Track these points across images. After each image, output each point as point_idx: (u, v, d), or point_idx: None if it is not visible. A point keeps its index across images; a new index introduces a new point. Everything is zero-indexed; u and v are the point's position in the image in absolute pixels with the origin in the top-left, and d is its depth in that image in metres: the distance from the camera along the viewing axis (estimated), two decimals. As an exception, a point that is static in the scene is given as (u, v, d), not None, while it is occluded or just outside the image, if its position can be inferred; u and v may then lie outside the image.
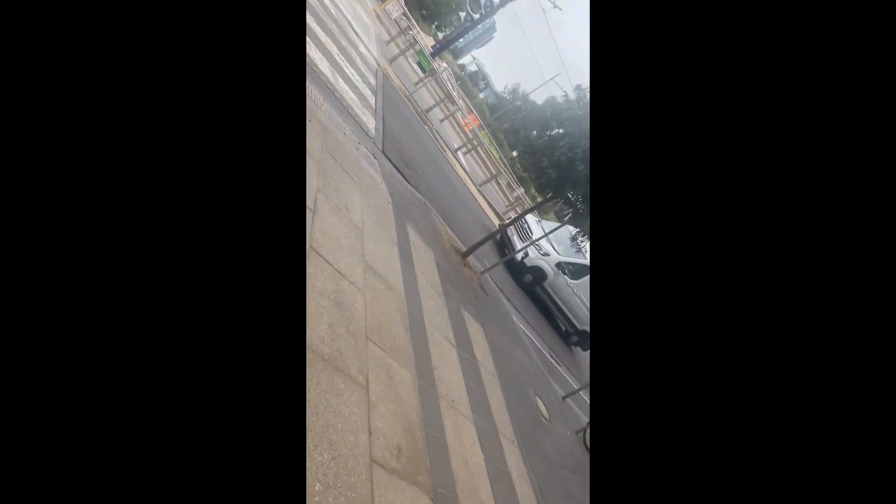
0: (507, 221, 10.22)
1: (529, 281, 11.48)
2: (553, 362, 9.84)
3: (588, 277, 10.76)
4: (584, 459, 6.38)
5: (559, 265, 11.22)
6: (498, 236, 11.04)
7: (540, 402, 6.23)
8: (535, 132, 7.34)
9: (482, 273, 8.07)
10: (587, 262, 11.25)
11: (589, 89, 6.66)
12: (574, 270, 11.60)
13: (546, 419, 6.03)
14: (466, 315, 5.58)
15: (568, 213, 7.59)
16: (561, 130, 6.74)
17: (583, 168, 6.02)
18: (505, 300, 9.03)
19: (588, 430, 7.00)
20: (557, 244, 11.68)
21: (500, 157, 22.35)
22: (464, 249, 7.64)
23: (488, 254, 10.01)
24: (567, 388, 8.31)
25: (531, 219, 12.13)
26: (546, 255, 11.37)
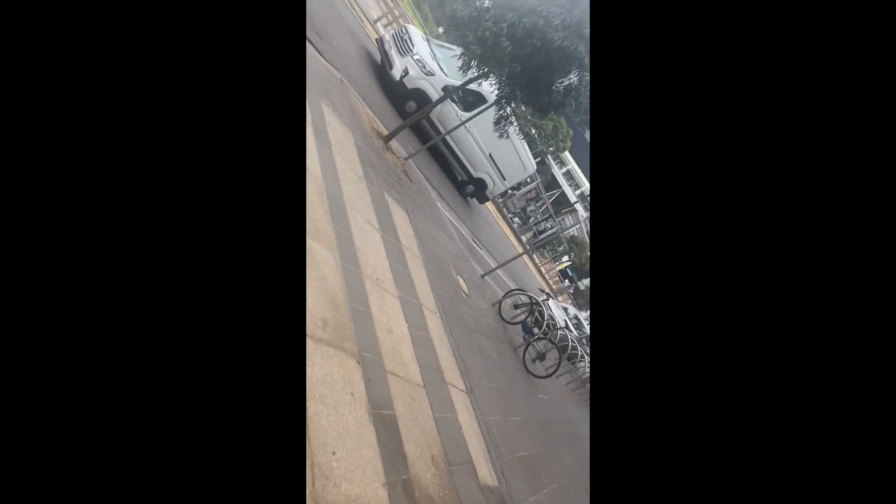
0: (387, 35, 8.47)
1: (413, 110, 9.02)
2: (475, 245, 10.44)
3: (484, 111, 8.02)
4: (498, 326, 7.23)
5: (447, 89, 8.38)
6: (379, 58, 8.94)
7: (461, 280, 6.74)
8: (460, 3, 6.70)
9: (406, 159, 7.92)
10: (483, 91, 9.09)
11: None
12: (466, 100, 9.41)
13: (466, 294, 6.59)
14: (390, 200, 5.58)
15: (492, 89, 7.40)
16: (487, 2, 6.25)
17: (507, 45, 5.75)
18: (430, 187, 9.08)
19: (502, 302, 7.81)
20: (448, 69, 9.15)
21: (424, 33, 20.47)
22: (386, 133, 7.33)
23: (414, 140, 9.72)
24: (487, 268, 9.00)
25: (414, 31, 9.70)
26: (430, 74, 9.07)
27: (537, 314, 8.01)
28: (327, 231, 3.53)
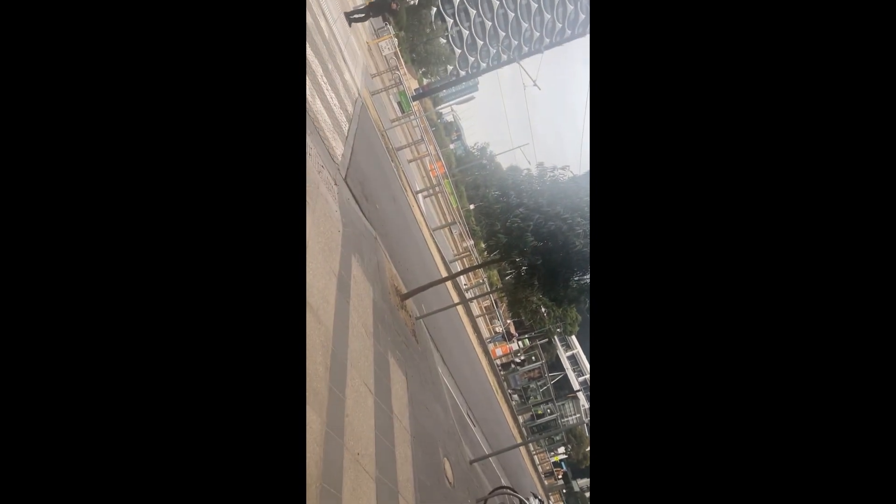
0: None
1: None
2: (469, 422, 9.70)
3: None
4: (480, 532, 6.19)
5: None
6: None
7: (447, 464, 6.05)
8: (495, 192, 7.59)
9: (417, 318, 7.98)
10: None
11: (551, 168, 7.09)
12: None
13: (450, 483, 5.84)
14: (392, 361, 5.42)
15: (510, 274, 7.79)
16: (518, 200, 7.05)
17: (532, 239, 6.27)
18: (434, 350, 8.93)
19: (487, 500, 6.85)
20: None
21: (457, 207, 22.94)
22: (405, 291, 7.56)
23: (428, 300, 9.96)
24: (477, 452, 8.17)
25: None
26: None
27: (526, 522, 6.91)
28: (321, 391, 3.34)
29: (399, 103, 15.45)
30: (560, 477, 33.95)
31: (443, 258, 15.85)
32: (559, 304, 7.26)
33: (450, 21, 40.74)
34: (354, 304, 4.83)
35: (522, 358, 30.01)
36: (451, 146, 35.51)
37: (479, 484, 7.57)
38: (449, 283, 14.70)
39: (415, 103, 17.32)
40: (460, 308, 17.16)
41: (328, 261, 4.52)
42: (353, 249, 5.54)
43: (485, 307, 26.85)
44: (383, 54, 16.60)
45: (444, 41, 36.07)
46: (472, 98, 41.23)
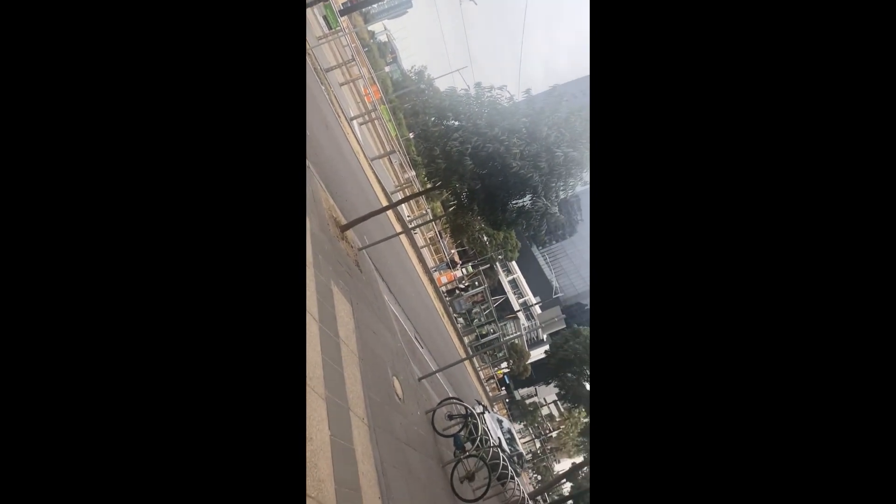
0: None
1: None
2: (417, 344, 10.17)
3: None
4: (429, 438, 6.75)
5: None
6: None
7: (396, 382, 6.39)
8: (433, 118, 7.35)
9: (360, 249, 7.92)
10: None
11: (489, 88, 6.91)
12: None
13: (400, 398, 6.21)
14: (336, 290, 5.42)
15: (452, 204, 7.82)
16: (457, 123, 6.89)
17: (470, 164, 6.24)
18: (379, 279, 9.02)
19: (436, 411, 7.41)
20: None
21: (396, 136, 22.07)
22: (344, 222, 7.39)
23: (370, 231, 9.85)
24: (425, 371, 8.68)
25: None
26: None
27: (471, 427, 7.62)
28: (261, 319, 3.30)
29: (325, 17, 14.01)
30: (503, 389, 37.27)
31: (383, 189, 15.50)
32: (498, 229, 7.47)
33: (378, -78, 36.28)
34: (290, 234, 4.66)
35: (466, 284, 31.26)
36: (387, 69, 33.28)
37: (428, 398, 8.13)
38: (391, 214, 14.54)
39: (343, 18, 15.78)
40: (404, 238, 17.19)
41: (257, 189, 4.24)
42: (284, 178, 5.24)
43: (429, 238, 27.11)
44: (302, -42, 14.62)
45: (373, -53, 32.33)
46: (405, 13, 38.20)
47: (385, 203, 12.92)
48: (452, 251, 30.63)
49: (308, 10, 13.16)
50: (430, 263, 24.28)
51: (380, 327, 6.96)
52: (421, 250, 21.62)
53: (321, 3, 13.76)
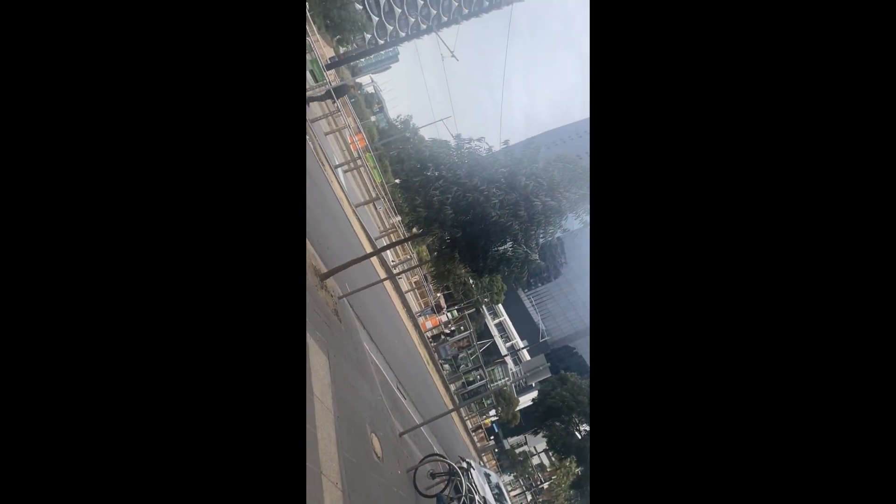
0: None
1: None
2: (399, 395, 9.80)
3: None
4: (410, 499, 6.35)
5: None
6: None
7: (375, 440, 6.07)
8: (417, 165, 7.49)
9: (340, 298, 7.77)
10: None
11: (468, 140, 7.10)
12: None
13: (379, 457, 5.88)
14: (311, 343, 5.24)
15: (435, 250, 7.81)
16: (437, 173, 7.02)
17: (451, 212, 6.30)
18: (360, 327, 8.80)
19: (418, 469, 7.04)
20: None
21: (382, 183, 22.41)
22: (324, 270, 7.29)
23: (352, 279, 9.73)
24: (408, 424, 8.31)
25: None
26: None
27: (456, 484, 7.21)
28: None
29: (311, 72, 14.53)
30: (491, 438, 35.94)
31: (368, 235, 15.51)
32: (480, 275, 7.45)
33: (366, -14, 38.80)
34: (265, 287, 4.55)
35: (452, 329, 30.82)
36: (373, 118, 34.36)
37: (410, 454, 7.73)
38: (375, 260, 14.46)
39: (329, 72, 16.38)
40: (388, 284, 17.02)
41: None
42: (261, 228, 5.18)
43: (414, 282, 26.93)
44: (291, 17, 15.34)
45: (360, 7, 34.29)
46: (390, 68, 39.95)
47: (368, 248, 12.88)
48: (438, 295, 30.40)
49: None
50: (415, 308, 23.97)
51: (358, 380, 6.71)
52: (406, 295, 21.40)
53: (307, 59, 14.32)
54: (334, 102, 13.05)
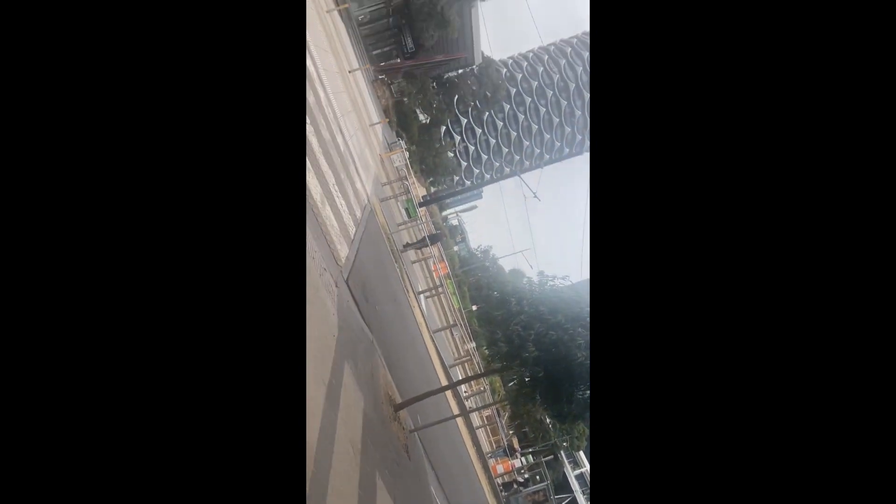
0: None
1: None
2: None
3: None
4: None
5: None
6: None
7: None
8: (496, 293, 7.59)
9: (411, 431, 7.43)
10: None
11: (552, 277, 7.16)
12: None
13: None
14: (380, 485, 4.92)
15: (513, 381, 7.42)
16: (519, 307, 7.01)
17: (533, 349, 6.08)
18: (429, 468, 8.16)
19: None
20: None
21: (459, 308, 22.81)
22: (399, 401, 7.15)
23: (424, 409, 9.39)
24: None
25: None
26: None
27: None
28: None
29: (406, 210, 16.27)
30: None
31: (442, 363, 15.32)
32: (562, 421, 6.80)
33: (457, 138, 44.77)
34: (343, 418, 4.52)
35: (526, 477, 27.32)
36: (456, 248, 36.60)
37: None
38: (448, 392, 14.00)
39: (421, 210, 18.26)
40: (459, 419, 16.10)
41: (319, 369, 4.35)
42: (346, 355, 5.36)
43: (486, 417, 25.19)
44: (395, 165, 17.93)
45: (452, 155, 39.25)
46: (475, 207, 43.51)
47: (443, 378, 12.57)
48: (511, 434, 27.86)
49: (392, 202, 15.47)
50: (486, 447, 21.98)
51: (423, 534, 6.00)
52: (476, 431, 19.91)
53: (404, 198, 16.22)
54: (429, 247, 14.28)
